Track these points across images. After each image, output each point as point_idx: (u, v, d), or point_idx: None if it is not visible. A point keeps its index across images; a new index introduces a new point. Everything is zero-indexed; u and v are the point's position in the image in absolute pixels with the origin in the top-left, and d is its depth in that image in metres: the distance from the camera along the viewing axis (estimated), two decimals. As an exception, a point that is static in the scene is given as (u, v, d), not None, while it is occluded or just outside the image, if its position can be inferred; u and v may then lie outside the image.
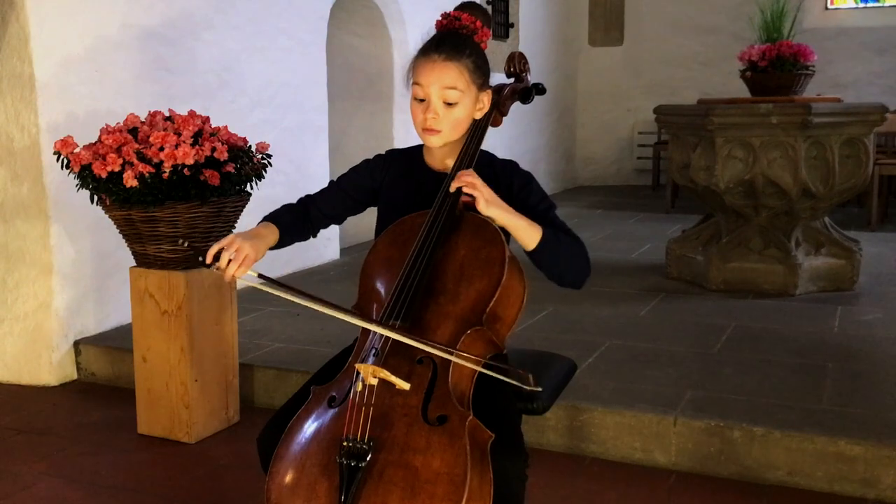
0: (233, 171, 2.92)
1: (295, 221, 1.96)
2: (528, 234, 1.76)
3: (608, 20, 9.54)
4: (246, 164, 3.00)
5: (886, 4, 8.66)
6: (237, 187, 3.01)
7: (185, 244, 1.74)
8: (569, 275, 1.83)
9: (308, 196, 2.02)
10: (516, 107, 2.10)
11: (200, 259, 1.71)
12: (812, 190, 4.33)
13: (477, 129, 1.90)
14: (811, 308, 4.17)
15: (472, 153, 1.86)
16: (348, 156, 5.08)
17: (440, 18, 1.91)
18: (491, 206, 1.72)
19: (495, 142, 7.88)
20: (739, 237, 4.56)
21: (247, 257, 1.73)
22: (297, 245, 2.03)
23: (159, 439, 3.11)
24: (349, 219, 2.08)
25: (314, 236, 2.04)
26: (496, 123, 2.00)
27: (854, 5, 8.76)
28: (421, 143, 1.94)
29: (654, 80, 9.21)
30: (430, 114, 1.83)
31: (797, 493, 2.63)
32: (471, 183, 1.72)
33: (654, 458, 2.83)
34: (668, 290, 4.57)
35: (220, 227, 3.03)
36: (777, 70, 4.73)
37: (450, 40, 1.84)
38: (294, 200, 2.03)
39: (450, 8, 1.91)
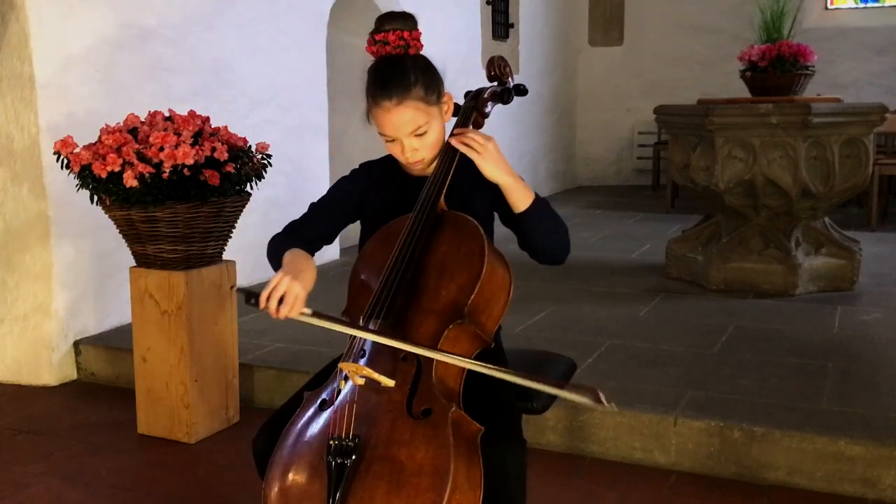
0: (233, 171, 2.92)
1: (304, 248, 1.92)
2: (520, 195, 1.78)
3: (608, 20, 9.54)
4: (246, 164, 3.00)
5: (886, 4, 8.65)
6: (237, 187, 3.01)
7: (234, 289, 1.67)
8: (555, 244, 1.83)
9: (294, 223, 1.98)
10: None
11: (253, 302, 1.65)
12: (812, 190, 4.33)
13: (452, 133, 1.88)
14: (811, 308, 4.17)
15: (450, 158, 1.84)
16: (348, 156, 5.07)
17: (369, 45, 1.85)
18: (488, 163, 1.75)
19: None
20: (739, 237, 4.56)
21: (297, 297, 1.65)
22: None
23: (159, 439, 3.11)
24: None
25: None
26: (477, 126, 1.99)
27: (854, 5, 8.76)
28: None
29: (654, 80, 9.20)
30: (408, 152, 1.83)
31: (797, 493, 2.63)
32: (466, 141, 1.76)
33: (654, 458, 2.83)
34: (668, 290, 4.57)
35: (220, 227, 3.03)
36: (777, 70, 4.74)
37: (393, 77, 1.79)
38: (292, 212, 2.01)
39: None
